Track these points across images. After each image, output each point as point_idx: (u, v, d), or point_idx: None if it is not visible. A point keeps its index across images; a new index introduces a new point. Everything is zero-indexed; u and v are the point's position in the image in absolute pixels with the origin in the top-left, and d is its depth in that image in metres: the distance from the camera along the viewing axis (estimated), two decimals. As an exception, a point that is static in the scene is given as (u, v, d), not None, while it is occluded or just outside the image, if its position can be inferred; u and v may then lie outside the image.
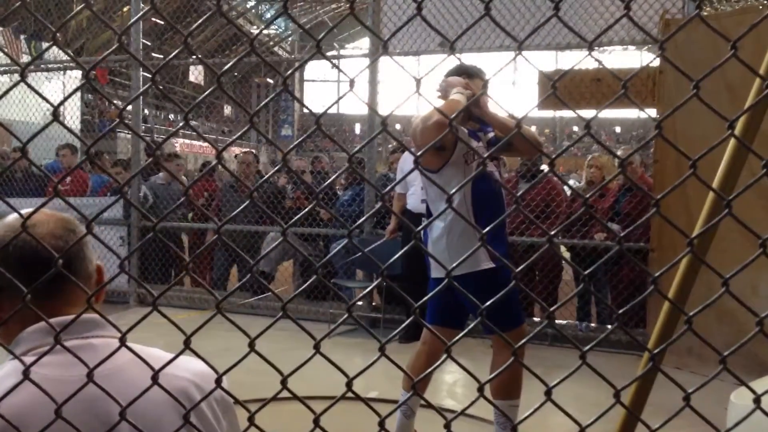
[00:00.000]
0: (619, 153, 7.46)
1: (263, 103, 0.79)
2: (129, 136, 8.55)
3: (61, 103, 0.83)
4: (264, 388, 2.28)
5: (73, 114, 13.18)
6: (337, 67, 1.00)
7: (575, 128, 35.18)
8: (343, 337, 6.46)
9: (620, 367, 4.27)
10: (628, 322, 6.09)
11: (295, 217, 6.44)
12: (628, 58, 23.53)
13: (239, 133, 0.82)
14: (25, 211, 1.27)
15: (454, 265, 0.93)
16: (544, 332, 6.13)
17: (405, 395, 3.55)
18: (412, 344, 6.16)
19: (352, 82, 0.86)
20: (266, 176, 0.89)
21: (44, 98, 0.86)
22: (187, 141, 31.39)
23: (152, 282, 7.90)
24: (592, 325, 6.80)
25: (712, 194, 1.58)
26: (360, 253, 6.41)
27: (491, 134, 3.59)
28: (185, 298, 7.73)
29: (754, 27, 0.89)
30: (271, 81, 36.43)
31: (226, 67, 0.83)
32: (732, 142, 1.58)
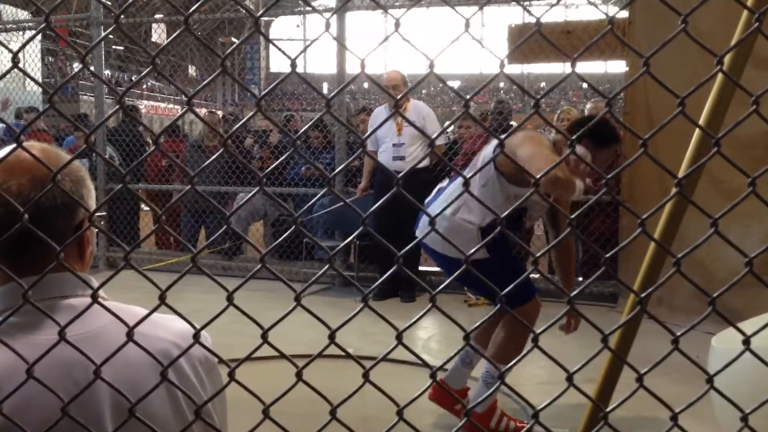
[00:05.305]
0: (588, 106, 7.47)
1: (236, 44, 0.75)
2: (92, 98, 8.38)
3: (21, 48, 0.78)
4: (239, 348, 2.25)
5: (34, 77, 12.84)
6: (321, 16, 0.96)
7: (543, 84, 35.13)
8: (317, 296, 6.46)
9: (590, 318, 4.31)
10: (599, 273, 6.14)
11: (272, 166, 6.34)
12: (594, 12, 23.66)
13: (212, 76, 0.78)
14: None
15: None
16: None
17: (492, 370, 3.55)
18: (387, 301, 6.19)
19: (327, 23, 0.82)
20: (244, 119, 0.85)
21: (5, 46, 0.81)
22: (152, 103, 30.84)
23: (119, 246, 7.82)
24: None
25: (699, 134, 1.57)
26: (333, 207, 6.40)
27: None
28: (151, 260, 7.64)
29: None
30: (235, 40, 35.88)
31: (196, 6, 0.79)
32: (719, 79, 1.57)
